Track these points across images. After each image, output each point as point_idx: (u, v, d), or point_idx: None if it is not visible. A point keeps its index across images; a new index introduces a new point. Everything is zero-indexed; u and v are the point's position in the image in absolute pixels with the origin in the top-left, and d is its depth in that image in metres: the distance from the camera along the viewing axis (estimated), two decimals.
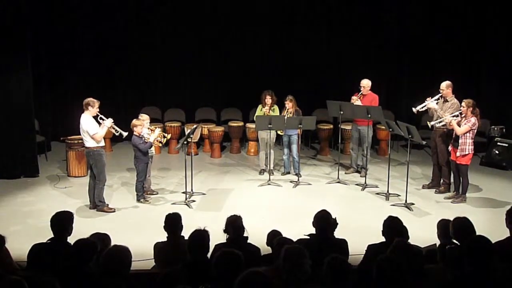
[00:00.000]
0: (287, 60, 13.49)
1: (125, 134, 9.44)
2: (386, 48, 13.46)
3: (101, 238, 5.46)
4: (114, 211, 9.18)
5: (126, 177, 10.93)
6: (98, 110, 9.08)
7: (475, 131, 9.36)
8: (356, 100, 10.79)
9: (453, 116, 9.46)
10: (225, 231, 5.80)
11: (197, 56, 13.58)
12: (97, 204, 9.15)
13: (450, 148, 9.68)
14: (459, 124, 9.32)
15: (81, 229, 5.80)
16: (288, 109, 10.84)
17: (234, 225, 5.75)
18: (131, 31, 13.27)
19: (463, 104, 9.33)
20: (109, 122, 9.17)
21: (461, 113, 9.37)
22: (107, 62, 13.31)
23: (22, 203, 9.58)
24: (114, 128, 9.33)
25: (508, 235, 5.61)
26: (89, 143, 9.03)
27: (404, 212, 9.12)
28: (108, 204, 9.26)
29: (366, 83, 10.92)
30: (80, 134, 9.29)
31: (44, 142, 12.26)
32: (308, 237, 5.67)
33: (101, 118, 9.15)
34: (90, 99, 9.07)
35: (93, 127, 8.97)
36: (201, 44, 13.55)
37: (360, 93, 10.87)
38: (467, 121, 9.22)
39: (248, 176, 11.31)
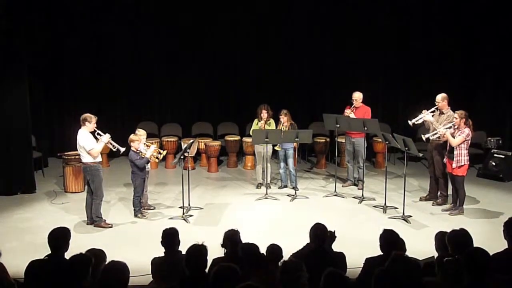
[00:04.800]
0: (283, 74, 13.52)
1: (122, 149, 9.43)
2: (382, 61, 13.52)
3: (96, 254, 5.43)
4: (111, 227, 9.15)
5: (123, 192, 10.93)
6: (95, 125, 9.09)
7: (469, 141, 9.40)
8: (350, 113, 10.83)
9: (447, 128, 9.49)
10: (222, 245, 5.79)
11: (193, 71, 13.61)
12: (94, 219, 9.12)
13: (445, 160, 9.70)
14: (453, 136, 9.35)
15: (79, 245, 5.77)
16: (283, 123, 10.85)
17: (232, 239, 5.75)
18: (128, 46, 13.32)
19: (455, 115, 9.37)
20: (106, 137, 9.16)
21: (454, 125, 9.40)
22: (103, 78, 13.35)
23: (19, 220, 9.55)
24: (111, 144, 9.33)
25: (506, 247, 5.61)
26: (86, 158, 9.02)
27: (402, 225, 9.12)
28: (105, 220, 9.23)
29: (358, 96, 10.96)
30: (77, 150, 9.28)
31: (41, 158, 12.24)
32: (301, 248, 5.68)
33: (98, 134, 9.16)
34: (87, 114, 9.08)
35: (89, 143, 8.96)
36: (198, 59, 13.61)
37: (352, 106, 10.91)
38: (461, 132, 9.26)
39: (245, 190, 11.31)
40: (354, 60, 13.44)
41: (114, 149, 9.43)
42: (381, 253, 5.52)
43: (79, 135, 9.01)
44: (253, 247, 5.47)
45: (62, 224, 6.01)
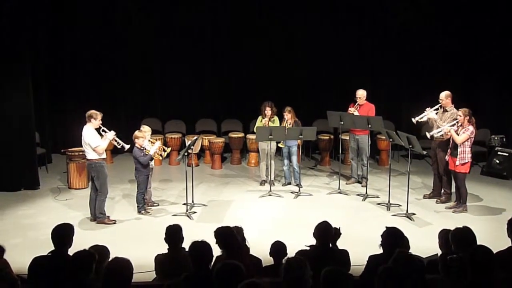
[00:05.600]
0: (287, 71, 13.50)
1: (127, 146, 9.43)
2: (386, 59, 13.49)
3: (99, 250, 5.44)
4: (114, 223, 9.16)
5: (127, 189, 10.94)
6: (100, 122, 9.08)
7: (473, 139, 9.39)
8: (354, 111, 10.82)
9: (451, 126, 9.47)
10: None
11: (197, 68, 13.62)
12: (98, 216, 9.12)
13: (447, 157, 9.68)
14: (457, 133, 9.34)
15: (82, 242, 5.77)
16: (287, 120, 10.84)
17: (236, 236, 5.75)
18: (131, 43, 13.33)
19: (459, 113, 9.35)
20: (111, 134, 9.16)
21: (457, 122, 9.39)
22: (107, 74, 13.35)
23: (22, 216, 9.56)
24: (116, 141, 9.33)
25: (510, 244, 5.60)
26: (91, 155, 9.01)
27: (405, 222, 9.11)
28: (109, 216, 9.24)
29: (361, 94, 10.96)
30: (81, 146, 9.27)
31: (45, 154, 12.27)
32: (308, 248, 5.67)
33: (103, 131, 9.15)
34: (93, 111, 9.05)
35: (95, 140, 8.96)
36: (201, 56, 13.61)
37: (356, 103, 10.90)
38: (465, 129, 9.24)
39: (249, 187, 11.31)
40: (358, 57, 13.41)
41: (118, 146, 9.43)
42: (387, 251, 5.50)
43: (85, 132, 9.00)
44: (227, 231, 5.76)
45: (66, 220, 6.02)
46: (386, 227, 5.63)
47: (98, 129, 9.09)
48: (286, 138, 10.71)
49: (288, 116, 10.84)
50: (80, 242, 5.70)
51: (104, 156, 9.21)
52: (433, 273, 5.10)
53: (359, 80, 12.12)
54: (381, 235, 5.53)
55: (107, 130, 9.17)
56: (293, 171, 11.26)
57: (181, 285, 4.74)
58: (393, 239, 5.45)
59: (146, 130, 9.79)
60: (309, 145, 13.56)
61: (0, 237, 8.23)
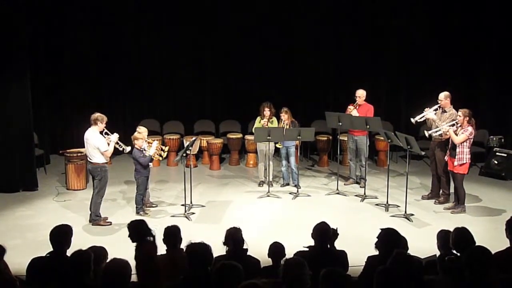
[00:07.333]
0: (285, 72, 13.50)
1: (128, 149, 9.43)
2: (385, 59, 13.49)
3: (98, 251, 5.43)
4: (110, 224, 9.14)
5: (125, 190, 10.92)
6: (105, 125, 9.07)
7: (472, 140, 9.39)
8: (352, 110, 10.82)
9: (450, 126, 9.47)
10: (224, 243, 5.78)
11: (195, 68, 13.62)
12: (93, 218, 9.09)
13: (446, 158, 9.68)
14: (455, 133, 9.34)
15: (81, 243, 5.75)
16: (284, 121, 10.84)
17: (234, 237, 5.74)
18: (129, 44, 13.31)
19: (459, 113, 9.35)
20: (115, 137, 9.17)
21: (457, 123, 9.39)
22: (105, 76, 13.32)
23: (21, 217, 9.56)
24: (118, 143, 9.31)
25: (508, 245, 5.61)
26: (97, 158, 8.99)
27: (404, 223, 9.11)
28: (106, 218, 9.21)
29: (361, 93, 10.96)
30: (79, 147, 9.24)
31: (43, 155, 12.25)
32: (307, 249, 5.67)
33: (106, 133, 9.14)
34: (99, 114, 9.03)
35: (104, 144, 8.95)
36: (200, 57, 13.61)
37: (355, 103, 10.91)
38: (464, 130, 9.24)
39: (247, 188, 11.31)
40: (357, 58, 13.41)
41: (120, 149, 9.42)
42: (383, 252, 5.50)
43: (91, 135, 8.97)
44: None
45: (64, 221, 5.99)
46: (381, 229, 5.62)
47: (101, 132, 9.08)
48: (284, 139, 10.71)
49: (284, 116, 10.83)
50: (79, 243, 5.68)
51: (107, 159, 9.21)
52: (432, 274, 5.10)
53: (358, 80, 12.10)
54: (377, 237, 5.54)
55: (109, 133, 9.16)
56: (291, 172, 11.26)
57: (179, 286, 4.74)
58: (389, 240, 5.44)
59: (142, 131, 9.77)
60: (308, 146, 13.55)
61: None
